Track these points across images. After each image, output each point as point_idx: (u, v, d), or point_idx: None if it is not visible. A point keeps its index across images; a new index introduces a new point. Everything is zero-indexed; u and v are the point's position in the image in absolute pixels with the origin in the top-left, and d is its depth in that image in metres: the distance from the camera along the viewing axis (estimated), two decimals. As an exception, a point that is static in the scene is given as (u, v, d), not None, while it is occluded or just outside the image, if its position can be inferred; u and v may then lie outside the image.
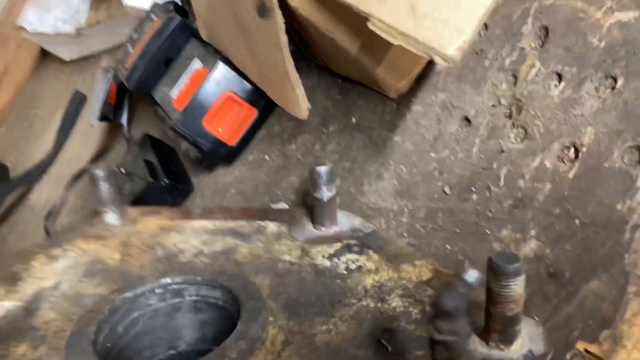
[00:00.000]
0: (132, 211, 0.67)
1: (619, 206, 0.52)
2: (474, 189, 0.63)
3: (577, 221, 0.54)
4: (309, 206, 0.63)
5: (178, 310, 0.58)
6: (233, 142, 0.87)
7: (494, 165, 0.62)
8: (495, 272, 0.39)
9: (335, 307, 0.51)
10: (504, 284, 0.39)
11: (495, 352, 0.42)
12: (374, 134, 0.75)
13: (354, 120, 0.78)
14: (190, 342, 0.60)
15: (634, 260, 0.49)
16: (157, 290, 0.57)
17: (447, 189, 0.65)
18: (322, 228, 0.62)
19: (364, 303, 0.51)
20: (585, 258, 0.52)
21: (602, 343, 0.49)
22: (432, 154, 0.68)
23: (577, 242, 0.53)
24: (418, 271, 0.52)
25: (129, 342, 0.56)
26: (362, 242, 0.59)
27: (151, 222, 0.65)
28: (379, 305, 0.50)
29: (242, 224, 0.64)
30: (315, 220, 0.63)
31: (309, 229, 0.63)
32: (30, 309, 0.55)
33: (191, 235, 0.63)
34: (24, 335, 0.52)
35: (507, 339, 0.42)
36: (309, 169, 0.60)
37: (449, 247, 0.62)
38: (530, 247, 0.56)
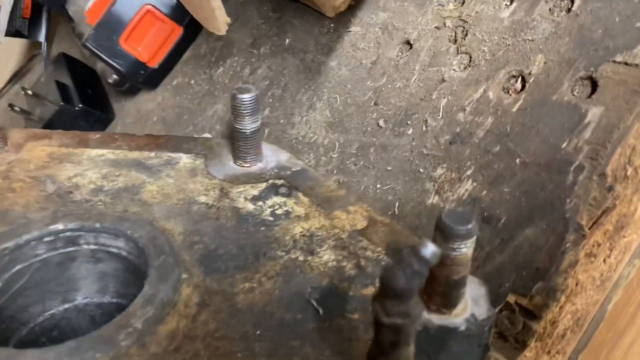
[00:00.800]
0: (16, 134, 0.56)
1: (564, 145, 0.46)
2: (409, 123, 0.56)
3: (517, 160, 0.48)
4: (231, 138, 0.55)
5: (73, 260, 0.50)
6: (154, 63, 0.78)
7: (434, 96, 0.55)
8: (444, 233, 0.33)
9: (260, 261, 0.44)
10: (453, 247, 0.33)
11: (435, 317, 0.37)
12: (308, 58, 0.67)
13: (287, 41, 0.70)
14: (90, 294, 0.53)
15: (576, 206, 0.44)
16: (46, 239, 0.48)
17: (381, 122, 0.58)
18: (245, 164, 0.55)
19: (292, 256, 0.44)
20: (524, 202, 0.47)
21: (534, 296, 0.44)
22: (369, 82, 0.61)
23: (516, 184, 0.48)
24: (352, 218, 0.46)
25: (12, 299, 0.48)
26: (290, 182, 0.52)
27: (39, 149, 0.55)
28: (309, 258, 0.44)
29: (149, 155, 0.56)
30: (236, 154, 0.55)
31: (229, 165, 0.56)
32: None
33: (88, 167, 0.54)
34: None
35: (450, 302, 0.37)
36: (230, 95, 0.52)
37: (380, 186, 0.56)
38: (465, 188, 0.50)
